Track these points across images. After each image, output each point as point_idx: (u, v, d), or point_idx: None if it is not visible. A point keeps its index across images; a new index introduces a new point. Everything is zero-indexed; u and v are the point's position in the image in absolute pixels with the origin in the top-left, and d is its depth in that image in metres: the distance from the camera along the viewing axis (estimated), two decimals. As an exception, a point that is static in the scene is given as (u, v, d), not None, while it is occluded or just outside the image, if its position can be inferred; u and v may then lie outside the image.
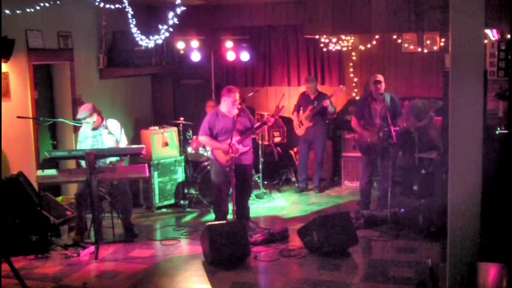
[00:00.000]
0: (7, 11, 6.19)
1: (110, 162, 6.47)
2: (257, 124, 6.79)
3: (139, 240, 6.53)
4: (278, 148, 9.10)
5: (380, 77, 7.18)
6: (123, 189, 6.55)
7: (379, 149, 7.09)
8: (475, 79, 3.32)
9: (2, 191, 5.88)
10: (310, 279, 5.26)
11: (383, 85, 7.13)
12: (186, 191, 7.96)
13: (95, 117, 6.47)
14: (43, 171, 6.12)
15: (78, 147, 6.58)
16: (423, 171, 7.96)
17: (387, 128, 6.82)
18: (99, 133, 6.53)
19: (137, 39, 7.03)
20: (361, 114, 7.27)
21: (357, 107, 7.52)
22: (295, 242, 6.19)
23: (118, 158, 6.51)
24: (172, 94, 9.91)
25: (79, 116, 6.47)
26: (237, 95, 6.56)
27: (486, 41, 8.23)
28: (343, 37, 9.03)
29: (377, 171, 7.76)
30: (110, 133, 6.55)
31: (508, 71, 8.12)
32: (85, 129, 6.56)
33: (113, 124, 6.65)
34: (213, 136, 6.60)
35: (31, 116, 6.96)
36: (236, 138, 6.45)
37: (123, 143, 6.62)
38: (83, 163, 6.24)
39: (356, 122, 7.30)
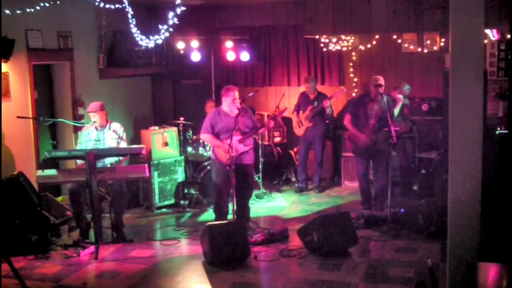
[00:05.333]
0: (7, 11, 6.19)
1: (111, 164, 6.46)
2: (258, 125, 6.79)
3: (139, 240, 6.53)
4: (278, 148, 9.10)
5: (382, 81, 7.11)
6: (118, 189, 6.53)
7: (373, 150, 7.06)
8: (475, 79, 3.32)
9: (2, 191, 5.88)
10: (310, 279, 5.27)
11: (383, 88, 7.10)
12: (186, 191, 7.96)
13: (97, 117, 6.47)
14: (43, 171, 6.12)
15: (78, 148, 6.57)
16: (423, 171, 7.96)
17: (387, 128, 6.80)
18: (103, 137, 6.52)
19: (137, 39, 7.03)
20: (356, 112, 7.20)
21: (352, 104, 7.47)
22: (295, 242, 6.19)
23: (117, 159, 6.51)
24: (172, 94, 9.91)
25: (88, 109, 6.55)
26: (236, 93, 6.55)
27: (486, 41, 8.24)
28: (343, 37, 9.03)
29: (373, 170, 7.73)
30: (121, 138, 6.55)
31: (508, 71, 8.13)
32: (89, 131, 6.55)
33: (117, 127, 6.65)
34: (215, 134, 6.60)
35: (31, 116, 6.96)
36: (237, 137, 6.45)
37: (123, 144, 6.61)
38: (79, 162, 6.24)
39: (349, 119, 7.22)
